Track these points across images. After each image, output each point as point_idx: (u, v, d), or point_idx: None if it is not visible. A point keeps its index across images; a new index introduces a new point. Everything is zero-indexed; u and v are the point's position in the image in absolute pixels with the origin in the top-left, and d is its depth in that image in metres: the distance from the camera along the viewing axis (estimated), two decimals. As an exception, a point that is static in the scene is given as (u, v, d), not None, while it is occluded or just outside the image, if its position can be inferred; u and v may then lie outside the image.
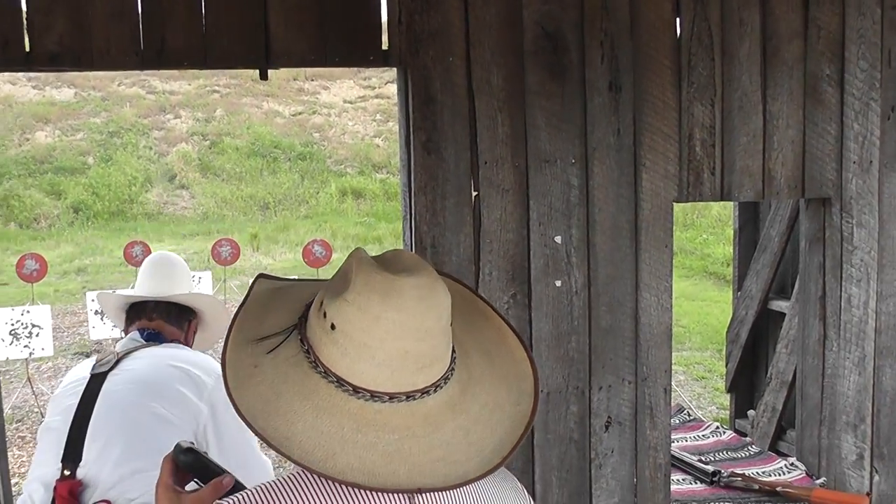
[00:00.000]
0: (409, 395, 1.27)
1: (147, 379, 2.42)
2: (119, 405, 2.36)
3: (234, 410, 1.30)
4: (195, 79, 26.03)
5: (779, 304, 4.38)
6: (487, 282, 2.79)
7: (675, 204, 2.94)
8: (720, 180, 2.93)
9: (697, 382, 9.46)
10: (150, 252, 12.84)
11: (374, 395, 1.26)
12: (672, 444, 3.37)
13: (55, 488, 2.24)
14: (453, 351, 1.35)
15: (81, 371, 2.56)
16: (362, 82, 26.93)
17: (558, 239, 2.82)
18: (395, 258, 1.34)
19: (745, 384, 4.77)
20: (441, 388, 1.30)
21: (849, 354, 3.15)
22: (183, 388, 2.42)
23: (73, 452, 2.29)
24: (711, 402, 8.75)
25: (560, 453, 2.90)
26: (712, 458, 3.38)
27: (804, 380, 3.26)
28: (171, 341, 2.68)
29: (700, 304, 13.39)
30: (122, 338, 2.79)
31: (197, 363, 2.53)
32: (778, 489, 3.03)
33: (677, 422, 3.81)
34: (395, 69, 2.82)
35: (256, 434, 1.26)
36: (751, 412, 4.58)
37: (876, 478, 3.22)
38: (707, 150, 2.92)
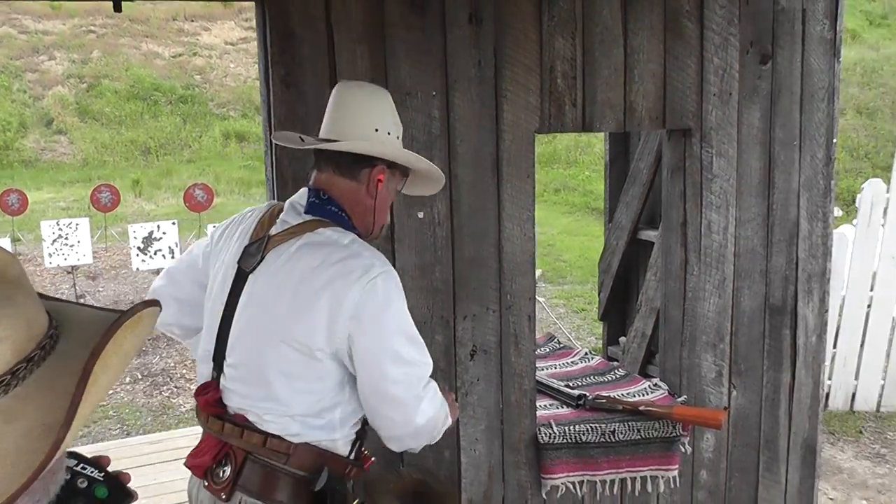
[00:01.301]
0: None
1: (285, 299, 2.04)
2: (254, 325, 2.08)
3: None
4: (69, 17, 24.94)
5: (648, 234, 4.50)
6: (351, 215, 2.78)
7: (538, 136, 2.99)
8: (581, 111, 2.99)
9: (577, 315, 9.69)
10: (26, 201, 12.36)
11: None
12: (541, 372, 3.47)
13: (203, 390, 2.13)
14: None
15: (233, 246, 2.20)
16: (244, 23, 26.19)
17: (420, 170, 2.83)
18: None
19: (617, 312, 4.90)
20: None
21: (709, 278, 3.28)
22: (320, 309, 2.00)
23: (220, 356, 2.12)
24: (590, 333, 8.99)
25: (427, 383, 2.94)
26: (580, 383, 3.48)
27: (667, 303, 3.38)
28: (340, 210, 2.17)
29: (582, 239, 13.66)
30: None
31: (345, 271, 2.02)
32: (641, 408, 3.15)
33: (548, 350, 3.91)
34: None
35: None
36: (622, 339, 4.72)
37: (734, 393, 3.39)
38: (568, 82, 2.96)
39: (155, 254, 8.92)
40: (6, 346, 0.90)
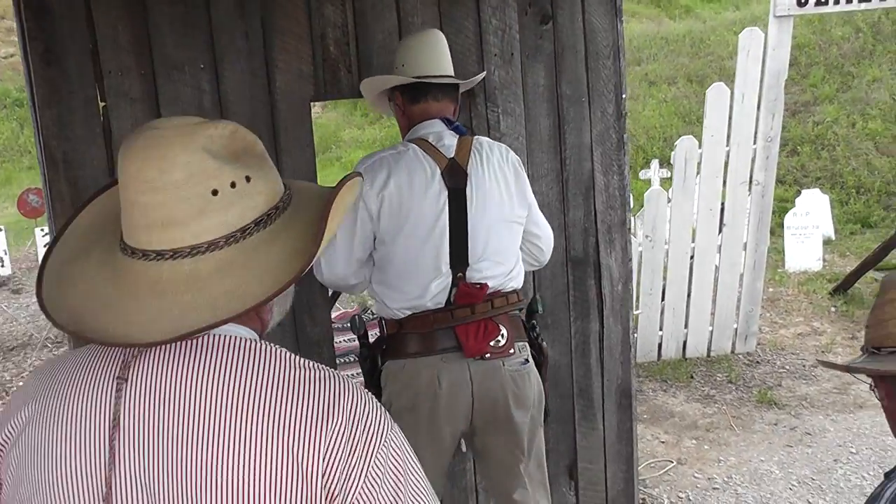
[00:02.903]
0: (144, 254, 1.21)
1: (502, 191, 2.70)
2: (491, 221, 2.66)
3: None
4: None
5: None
6: (124, 193, 2.74)
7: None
8: (358, 77, 3.02)
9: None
10: None
11: (130, 251, 1.23)
12: (352, 343, 3.48)
13: (460, 288, 2.60)
14: (245, 229, 1.23)
15: (427, 177, 2.61)
16: (80, 22, 25.29)
17: (193, 145, 2.80)
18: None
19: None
20: (186, 256, 1.19)
21: (508, 235, 3.35)
22: (518, 185, 2.76)
23: (460, 260, 2.62)
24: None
25: (222, 358, 2.92)
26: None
27: (466, 263, 3.43)
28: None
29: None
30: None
31: (513, 156, 2.82)
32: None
33: (366, 320, 3.91)
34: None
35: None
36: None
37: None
38: (342, 48, 2.98)
39: (-16, 265, 8.54)
40: (263, 198, 1.25)
